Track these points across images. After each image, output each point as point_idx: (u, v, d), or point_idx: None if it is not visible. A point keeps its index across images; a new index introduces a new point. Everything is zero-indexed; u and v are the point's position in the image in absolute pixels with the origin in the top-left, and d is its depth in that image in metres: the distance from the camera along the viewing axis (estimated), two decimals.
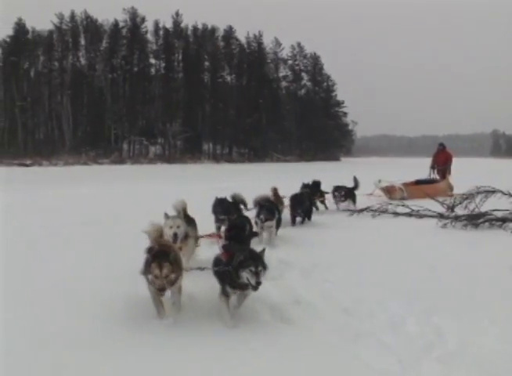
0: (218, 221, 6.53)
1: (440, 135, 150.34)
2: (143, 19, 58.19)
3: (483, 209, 8.03)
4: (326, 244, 6.44)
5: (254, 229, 5.97)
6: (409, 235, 7.08)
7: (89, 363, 2.90)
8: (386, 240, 6.67)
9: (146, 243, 3.88)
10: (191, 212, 5.48)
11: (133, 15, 57.75)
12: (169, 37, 59.40)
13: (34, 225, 7.89)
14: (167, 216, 4.72)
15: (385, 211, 8.95)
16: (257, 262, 3.40)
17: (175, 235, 4.57)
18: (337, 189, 10.19)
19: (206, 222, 6.16)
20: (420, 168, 16.11)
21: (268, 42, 66.96)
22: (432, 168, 14.87)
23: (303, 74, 70.63)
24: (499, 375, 2.83)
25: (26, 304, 3.88)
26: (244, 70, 63.90)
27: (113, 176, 26.06)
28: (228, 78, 63.81)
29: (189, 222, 5.18)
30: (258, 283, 3.34)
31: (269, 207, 6.62)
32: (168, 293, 3.49)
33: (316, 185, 10.05)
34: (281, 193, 8.62)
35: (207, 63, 61.21)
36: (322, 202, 10.26)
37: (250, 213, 6.72)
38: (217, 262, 3.74)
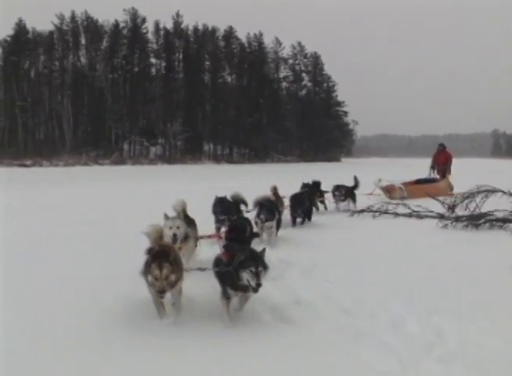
0: (219, 221, 6.47)
1: (440, 135, 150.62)
2: (144, 20, 58.18)
3: (483, 209, 8.03)
4: (326, 244, 6.44)
5: (255, 229, 5.96)
6: (409, 235, 7.08)
7: (89, 363, 2.89)
8: (386, 241, 6.66)
9: (145, 243, 3.88)
10: (191, 212, 5.47)
11: (134, 15, 57.76)
12: (169, 37, 59.42)
13: (34, 225, 7.89)
14: (166, 217, 4.72)
15: (386, 212, 8.95)
16: (257, 262, 3.38)
17: (175, 236, 4.57)
18: (337, 188, 10.20)
19: (206, 223, 6.15)
20: (420, 168, 16.10)
21: (268, 42, 67.09)
22: (432, 168, 14.88)
23: (303, 75, 70.65)
24: (499, 375, 2.82)
25: (26, 304, 3.88)
26: (245, 70, 63.88)
27: (114, 176, 26.07)
28: (229, 78, 63.84)
29: (189, 222, 5.17)
30: (258, 285, 3.31)
31: (269, 207, 6.61)
32: (168, 295, 3.48)
33: (316, 185, 10.05)
34: (281, 193, 8.60)
35: (207, 63, 61.23)
36: (322, 202, 10.26)
37: (251, 214, 6.71)
38: (217, 262, 3.73)
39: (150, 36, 58.99)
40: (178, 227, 4.63)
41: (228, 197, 6.87)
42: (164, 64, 59.88)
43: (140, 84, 56.62)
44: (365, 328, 3.43)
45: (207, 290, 3.94)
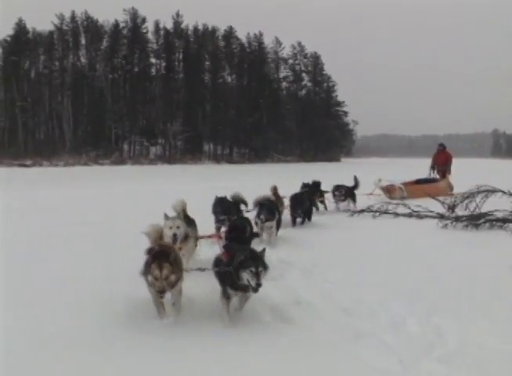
0: (219, 221, 6.47)
1: (440, 135, 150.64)
2: (144, 20, 58.15)
3: (483, 209, 8.03)
4: (326, 244, 6.44)
5: (255, 229, 5.96)
6: (409, 235, 7.08)
7: (89, 363, 2.90)
8: (386, 241, 6.66)
9: (145, 243, 3.88)
10: (191, 212, 5.47)
11: (134, 15, 57.74)
12: (169, 37, 59.42)
13: (34, 225, 7.89)
14: (166, 217, 4.71)
15: (386, 212, 8.95)
16: (257, 262, 3.38)
17: (175, 236, 4.56)
18: (337, 188, 10.20)
19: (206, 223, 6.15)
20: (420, 168, 16.10)
21: (268, 42, 67.06)
22: (432, 168, 14.89)
23: (303, 75, 70.66)
24: (499, 375, 2.82)
25: (26, 304, 3.88)
26: (245, 70, 63.86)
27: (114, 176, 26.07)
28: (229, 78, 63.84)
29: (189, 222, 5.17)
30: (258, 285, 3.31)
31: (269, 207, 6.61)
32: (168, 295, 3.48)
33: (316, 185, 10.05)
34: (281, 193, 8.60)
35: (207, 63, 61.23)
36: (322, 202, 10.26)
37: (251, 214, 6.71)
38: (217, 262, 3.73)
39: (150, 36, 59.03)
40: (178, 227, 4.63)
41: (228, 197, 6.87)
42: (164, 64, 59.86)
43: (140, 84, 56.59)
44: (365, 328, 3.43)
45: (207, 290, 3.95)
